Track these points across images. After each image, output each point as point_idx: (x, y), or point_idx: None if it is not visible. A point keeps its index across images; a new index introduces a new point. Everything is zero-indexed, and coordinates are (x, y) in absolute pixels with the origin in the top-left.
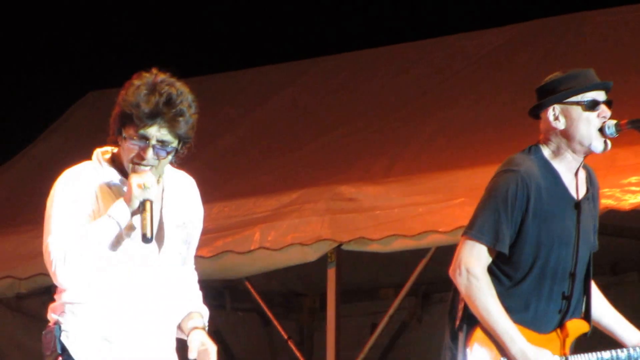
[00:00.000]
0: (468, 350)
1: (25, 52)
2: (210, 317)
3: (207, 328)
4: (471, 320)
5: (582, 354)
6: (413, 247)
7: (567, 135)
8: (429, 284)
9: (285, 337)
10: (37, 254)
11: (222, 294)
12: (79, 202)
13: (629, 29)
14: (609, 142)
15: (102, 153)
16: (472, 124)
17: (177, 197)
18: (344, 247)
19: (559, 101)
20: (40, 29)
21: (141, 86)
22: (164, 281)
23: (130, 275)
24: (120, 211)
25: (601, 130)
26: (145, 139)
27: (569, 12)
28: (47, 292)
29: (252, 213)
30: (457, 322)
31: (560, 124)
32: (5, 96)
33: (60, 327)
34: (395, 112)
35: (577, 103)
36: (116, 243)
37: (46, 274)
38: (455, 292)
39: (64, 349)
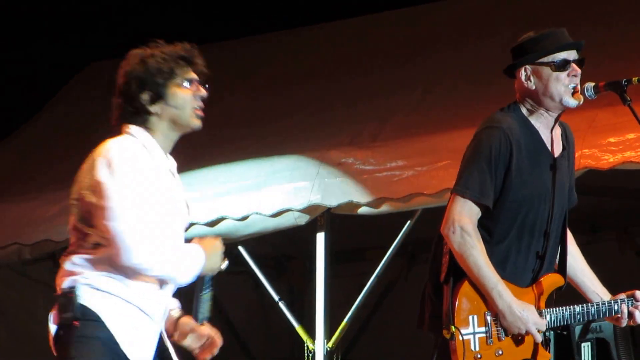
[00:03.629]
0: (456, 302)
1: (25, 24)
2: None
3: None
4: (457, 274)
5: (556, 308)
6: (400, 210)
7: (538, 94)
8: (415, 244)
9: (276, 298)
10: (42, 221)
11: None
12: (148, 185)
13: None
14: (581, 97)
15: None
16: (456, 87)
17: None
18: (333, 211)
19: (531, 62)
20: (40, 2)
21: (156, 52)
22: None
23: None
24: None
25: (574, 87)
26: (193, 79)
27: None
28: (52, 257)
29: (244, 179)
30: (443, 276)
31: (532, 84)
32: (7, 69)
33: (81, 289)
34: (382, 78)
35: (547, 64)
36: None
37: (51, 240)
38: (437, 246)
39: (85, 312)
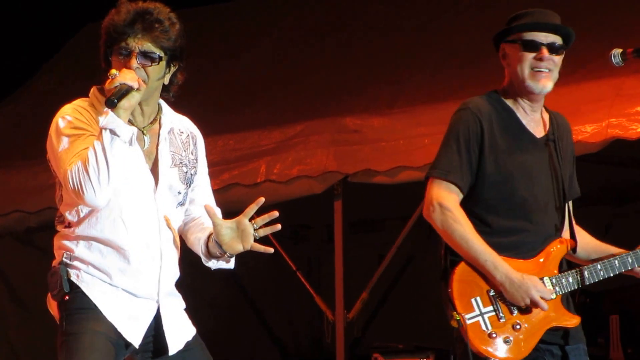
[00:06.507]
0: (454, 289)
1: None
2: None
3: None
4: (454, 262)
5: (573, 270)
6: (419, 179)
7: (510, 73)
8: None
9: (294, 268)
10: (45, 187)
11: None
12: (85, 129)
13: None
14: (546, 84)
15: (99, 91)
16: (477, 53)
17: (175, 137)
18: (350, 179)
19: (502, 39)
20: None
21: (119, 8)
22: (165, 219)
23: (133, 214)
24: (109, 119)
25: (539, 71)
26: (127, 50)
27: None
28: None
29: (257, 146)
30: (441, 271)
31: (506, 62)
32: (3, 31)
33: (66, 265)
34: (399, 42)
35: (516, 42)
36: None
37: (54, 208)
38: (439, 242)
39: (73, 287)
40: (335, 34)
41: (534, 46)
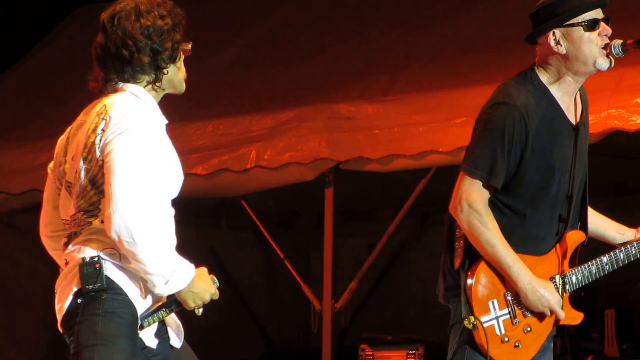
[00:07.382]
0: (472, 290)
1: None
2: (206, 235)
3: None
4: (472, 259)
5: (581, 266)
6: (413, 167)
7: (570, 58)
8: (428, 204)
9: (282, 256)
10: (30, 169)
11: (218, 212)
12: (158, 152)
13: None
14: (613, 59)
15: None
16: (474, 41)
17: None
18: (342, 166)
19: (559, 25)
20: None
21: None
22: None
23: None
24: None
25: (604, 48)
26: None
27: None
28: (39, 208)
29: (248, 131)
30: (458, 262)
31: (562, 48)
32: None
33: (105, 260)
34: (395, 29)
35: (578, 24)
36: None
37: (39, 190)
38: (451, 228)
39: (109, 284)
40: (330, 20)
41: (596, 23)
